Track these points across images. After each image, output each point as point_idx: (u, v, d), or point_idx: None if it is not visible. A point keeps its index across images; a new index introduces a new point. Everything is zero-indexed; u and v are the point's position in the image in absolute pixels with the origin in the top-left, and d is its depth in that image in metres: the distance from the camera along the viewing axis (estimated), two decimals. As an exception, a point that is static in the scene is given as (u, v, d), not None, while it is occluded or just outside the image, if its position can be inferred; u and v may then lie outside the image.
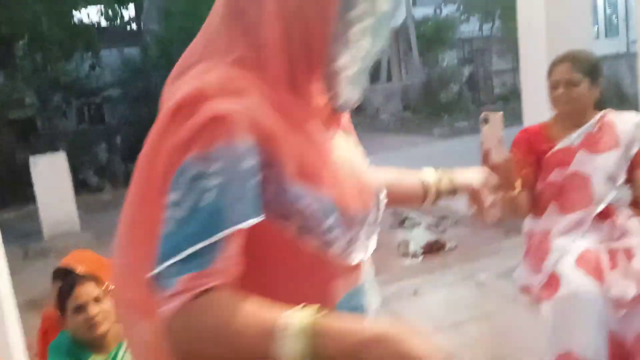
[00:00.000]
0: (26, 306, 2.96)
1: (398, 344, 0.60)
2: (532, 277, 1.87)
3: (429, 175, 1.07)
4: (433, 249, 3.98)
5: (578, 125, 1.91)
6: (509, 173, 1.21)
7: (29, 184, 6.84)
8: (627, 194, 1.91)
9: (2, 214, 7.88)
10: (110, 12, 14.71)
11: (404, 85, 17.11)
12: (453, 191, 1.08)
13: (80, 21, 12.88)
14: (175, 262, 0.62)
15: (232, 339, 0.62)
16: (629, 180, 1.88)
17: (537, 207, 1.95)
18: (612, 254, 1.74)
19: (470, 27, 18.33)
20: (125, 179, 10.88)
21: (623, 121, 1.91)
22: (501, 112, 1.31)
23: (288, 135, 0.70)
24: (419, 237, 4.19)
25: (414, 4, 21.00)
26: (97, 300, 1.65)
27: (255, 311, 0.63)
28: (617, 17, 20.23)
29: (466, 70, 16.97)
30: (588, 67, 1.88)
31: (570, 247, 1.77)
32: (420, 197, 1.07)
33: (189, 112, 0.66)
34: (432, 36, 18.18)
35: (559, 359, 1.63)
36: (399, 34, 21.44)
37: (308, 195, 0.70)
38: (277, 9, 0.71)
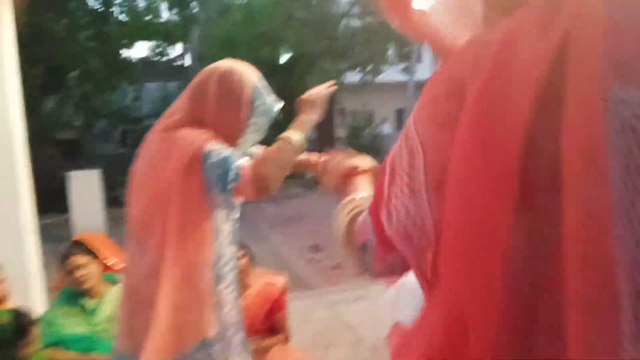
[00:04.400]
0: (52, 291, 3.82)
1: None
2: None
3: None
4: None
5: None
6: None
7: (66, 196, 7.93)
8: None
9: (42, 219, 8.97)
10: (158, 49, 16.28)
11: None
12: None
13: (127, 58, 14.25)
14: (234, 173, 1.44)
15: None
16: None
17: None
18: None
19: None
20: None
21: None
22: None
23: None
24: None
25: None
26: (82, 266, 2.51)
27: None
28: None
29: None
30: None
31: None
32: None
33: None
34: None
35: (394, 326, 2.39)
36: (418, 87, 22.40)
37: None
38: (214, 112, 1.54)
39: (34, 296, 3.24)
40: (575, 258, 0.45)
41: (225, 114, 1.54)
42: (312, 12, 11.37)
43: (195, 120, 1.55)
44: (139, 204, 1.56)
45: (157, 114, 11.33)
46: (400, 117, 22.57)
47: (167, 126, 1.58)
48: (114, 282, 2.66)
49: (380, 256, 0.72)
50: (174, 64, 18.76)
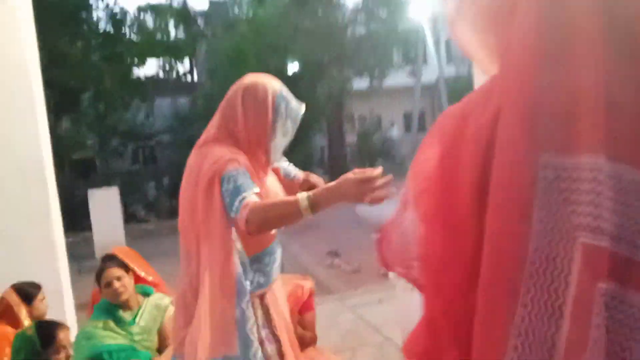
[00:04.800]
0: (78, 308, 3.86)
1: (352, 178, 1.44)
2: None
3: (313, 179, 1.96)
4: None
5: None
6: None
7: (85, 215, 8.08)
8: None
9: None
10: (167, 65, 16.55)
11: (433, 137, 17.97)
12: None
13: (138, 77, 14.50)
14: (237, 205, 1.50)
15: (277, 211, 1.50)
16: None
17: None
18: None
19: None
20: (169, 213, 12.11)
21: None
22: None
23: (252, 174, 1.65)
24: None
25: (449, 61, 22.10)
26: (118, 279, 2.62)
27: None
28: None
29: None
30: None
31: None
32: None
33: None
34: (463, 92, 19.04)
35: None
36: (434, 90, 22.49)
37: None
38: (243, 123, 1.65)
39: (67, 312, 3.35)
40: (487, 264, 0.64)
41: (253, 122, 1.65)
42: (318, 22, 11.51)
43: (227, 133, 1.67)
44: (181, 215, 1.68)
45: (168, 130, 11.52)
46: (407, 121, 22.61)
47: (203, 142, 1.70)
48: (146, 294, 2.76)
49: None
50: (183, 80, 19.02)
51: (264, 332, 1.70)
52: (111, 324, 2.58)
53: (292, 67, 12.67)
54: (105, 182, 11.14)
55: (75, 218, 9.05)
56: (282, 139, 1.72)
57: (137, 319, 2.64)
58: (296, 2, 12.27)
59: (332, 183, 1.47)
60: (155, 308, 2.72)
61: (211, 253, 1.56)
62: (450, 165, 0.70)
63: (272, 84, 1.69)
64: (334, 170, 13.38)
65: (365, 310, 4.19)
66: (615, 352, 0.56)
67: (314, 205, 1.44)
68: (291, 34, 11.46)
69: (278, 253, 1.79)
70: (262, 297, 1.72)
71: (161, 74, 16.75)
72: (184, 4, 16.51)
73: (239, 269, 1.58)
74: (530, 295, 0.60)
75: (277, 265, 1.79)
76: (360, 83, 13.28)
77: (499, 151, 0.63)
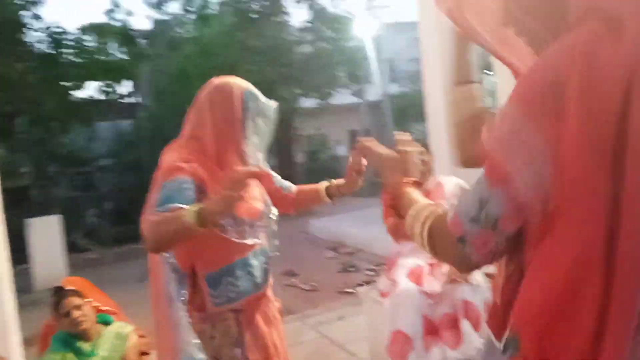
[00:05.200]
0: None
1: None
2: (385, 283, 2.73)
3: (322, 184, 1.89)
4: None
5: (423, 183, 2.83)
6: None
7: (20, 247, 7.57)
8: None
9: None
10: (107, 87, 16.00)
11: (379, 155, 18.30)
12: (338, 188, 1.83)
13: (78, 100, 13.95)
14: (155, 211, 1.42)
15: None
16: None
17: (398, 235, 2.83)
18: (432, 267, 2.61)
19: (440, 102, 19.73)
20: (113, 241, 11.60)
21: (449, 183, 2.84)
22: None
23: (213, 183, 1.57)
24: (357, 278, 5.03)
25: (392, 80, 22.69)
26: (77, 307, 2.48)
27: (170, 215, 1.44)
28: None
29: (433, 142, 18.28)
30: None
31: (407, 263, 2.64)
32: (317, 196, 1.86)
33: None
34: (407, 109, 19.61)
35: (393, 334, 2.46)
36: (378, 108, 22.99)
37: None
38: (211, 127, 1.60)
39: (13, 347, 3.10)
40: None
41: (221, 123, 1.60)
42: (266, 41, 11.54)
43: (193, 137, 1.63)
44: None
45: (111, 154, 11.09)
46: (353, 139, 22.92)
47: (168, 146, 1.65)
48: (106, 323, 2.61)
49: (482, 243, 0.81)
50: (124, 101, 18.44)
51: (237, 351, 1.62)
52: (70, 355, 2.41)
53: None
54: (42, 210, 10.55)
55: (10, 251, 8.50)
56: (255, 139, 1.65)
57: (97, 350, 2.48)
58: (243, 22, 12.28)
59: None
60: (117, 337, 2.57)
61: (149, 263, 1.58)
62: (587, 99, 0.66)
63: (240, 83, 1.66)
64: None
65: (327, 328, 4.15)
66: None
67: (202, 219, 1.34)
68: (238, 54, 11.41)
69: (256, 268, 1.68)
70: (237, 314, 1.64)
71: (102, 96, 16.21)
72: (126, 24, 16.12)
73: (165, 279, 1.53)
74: None
75: (254, 281, 1.68)
76: (307, 102, 13.36)
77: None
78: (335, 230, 8.36)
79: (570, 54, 0.67)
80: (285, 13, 12.80)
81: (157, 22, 16.91)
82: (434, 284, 2.51)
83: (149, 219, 1.42)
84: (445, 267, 2.56)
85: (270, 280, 1.78)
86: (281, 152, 13.67)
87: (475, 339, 2.40)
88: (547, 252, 0.73)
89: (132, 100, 18.50)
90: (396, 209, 1.09)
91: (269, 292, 1.79)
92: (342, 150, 21.14)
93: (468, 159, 1.19)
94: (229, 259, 1.62)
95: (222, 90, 1.63)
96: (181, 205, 1.39)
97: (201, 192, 1.53)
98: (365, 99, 19.65)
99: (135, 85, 17.89)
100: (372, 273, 5.47)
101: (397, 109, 20.18)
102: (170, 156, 1.58)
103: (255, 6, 12.82)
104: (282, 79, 11.68)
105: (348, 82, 15.30)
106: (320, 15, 12.76)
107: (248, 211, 1.62)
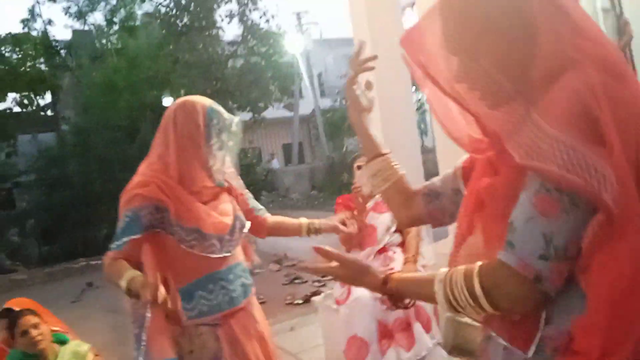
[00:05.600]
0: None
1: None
2: (340, 291, 2.88)
3: (304, 220, 2.02)
4: (311, 297, 4.92)
5: (371, 197, 3.02)
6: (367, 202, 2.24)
7: None
8: (397, 238, 2.99)
9: None
10: (25, 100, 15.13)
11: (312, 167, 18.59)
12: (319, 229, 2.00)
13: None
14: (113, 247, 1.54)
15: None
16: (398, 230, 2.98)
17: (350, 245, 2.99)
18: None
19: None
20: (40, 260, 10.95)
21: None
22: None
23: (174, 201, 1.62)
24: (303, 290, 5.16)
25: (322, 94, 23.15)
26: (35, 326, 2.43)
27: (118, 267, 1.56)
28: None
29: (365, 155, 18.79)
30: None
31: (361, 271, 2.80)
32: (297, 231, 2.00)
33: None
34: (338, 124, 20.06)
35: (350, 339, 2.60)
36: (310, 121, 23.34)
37: (179, 225, 1.63)
38: (174, 146, 1.67)
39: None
40: None
41: (185, 142, 1.67)
42: (198, 55, 11.47)
43: (158, 156, 1.70)
44: None
45: (33, 169, 10.50)
46: (287, 152, 23.11)
47: (138, 169, 1.72)
48: (62, 342, 2.56)
49: (558, 275, 0.83)
50: (45, 114, 17.50)
51: None
52: (26, 377, 2.35)
53: (167, 100, 12.37)
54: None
55: None
56: (219, 154, 1.72)
57: (54, 370, 2.44)
58: (173, 34, 12.13)
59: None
60: (74, 356, 2.53)
61: None
62: (621, 126, 0.79)
63: (203, 101, 1.73)
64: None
65: (279, 339, 4.22)
66: None
67: (129, 290, 1.51)
68: (170, 67, 11.25)
69: (232, 282, 1.73)
70: (214, 328, 1.69)
71: (18, 109, 15.31)
72: (45, 33, 15.37)
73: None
74: None
75: (230, 295, 1.72)
76: (240, 116, 13.37)
77: None
78: (278, 243, 8.41)
79: (592, 93, 0.79)
80: (218, 27, 12.79)
81: (78, 33, 16.27)
82: (386, 290, 2.69)
83: (107, 255, 1.62)
84: (397, 274, 2.76)
85: (251, 295, 1.82)
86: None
87: (426, 339, 2.59)
88: (608, 270, 0.79)
89: (53, 112, 17.63)
90: (395, 300, 1.05)
91: (250, 307, 1.82)
92: (276, 163, 21.24)
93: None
94: (198, 272, 1.68)
95: (184, 109, 1.69)
96: (134, 237, 1.57)
97: (160, 211, 1.62)
98: (297, 113, 19.90)
99: (57, 97, 17.06)
100: (318, 284, 5.61)
101: (330, 123, 20.60)
102: (133, 180, 1.67)
103: (184, 19, 12.73)
104: (215, 93, 11.64)
105: (280, 96, 15.48)
106: (252, 30, 12.86)
107: (215, 226, 1.68)
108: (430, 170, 4.96)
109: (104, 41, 15.56)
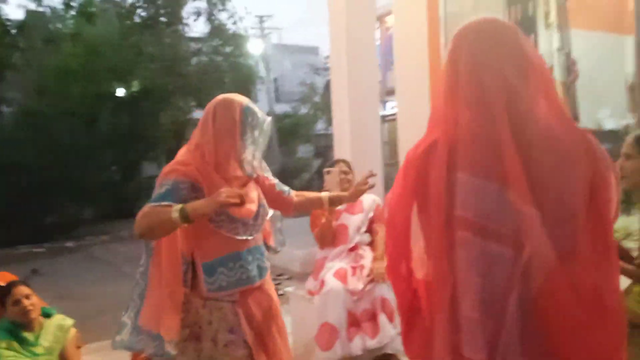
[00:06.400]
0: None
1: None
2: (313, 284, 3.13)
3: (324, 193, 2.22)
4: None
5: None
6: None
7: None
8: (366, 238, 3.28)
9: None
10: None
11: (264, 172, 18.68)
12: (340, 199, 2.21)
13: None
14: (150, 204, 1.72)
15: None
16: (369, 230, 3.28)
17: (324, 244, 3.25)
18: (354, 269, 3.07)
19: (323, 125, 20.68)
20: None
21: (367, 198, 3.34)
22: (337, 169, 2.66)
23: (208, 183, 1.81)
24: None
25: (277, 100, 23.28)
26: (27, 297, 2.54)
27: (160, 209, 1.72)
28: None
29: (316, 163, 19.18)
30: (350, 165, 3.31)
31: (333, 265, 3.07)
32: (320, 204, 2.20)
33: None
34: (291, 130, 20.26)
35: (322, 326, 2.86)
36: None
37: None
38: (212, 136, 1.86)
39: None
40: None
41: (222, 134, 1.85)
42: (162, 49, 11.41)
43: (196, 144, 1.89)
44: None
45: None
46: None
47: (177, 154, 1.92)
48: (48, 315, 2.67)
49: None
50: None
51: (231, 337, 1.85)
52: (15, 344, 2.47)
53: (132, 92, 12.18)
54: None
55: None
56: (252, 149, 1.91)
57: (40, 340, 2.55)
58: (140, 26, 12.01)
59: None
60: (58, 329, 2.65)
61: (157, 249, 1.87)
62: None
63: (241, 99, 1.91)
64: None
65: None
66: None
67: (184, 215, 1.66)
68: (132, 58, 11.14)
69: (250, 263, 1.90)
70: (233, 304, 1.87)
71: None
72: (-4, 12, 14.71)
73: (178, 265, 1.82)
74: None
75: (247, 274, 1.89)
76: (201, 114, 13.32)
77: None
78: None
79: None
80: (185, 24, 12.79)
81: (31, 13, 15.67)
82: (356, 283, 2.97)
83: (143, 209, 1.72)
84: (366, 270, 3.05)
85: (267, 276, 2.02)
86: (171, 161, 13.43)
87: (389, 329, 2.89)
88: None
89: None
90: None
91: (266, 286, 2.01)
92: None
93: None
94: (222, 251, 1.86)
95: (224, 105, 1.89)
96: (171, 203, 1.70)
97: (195, 191, 1.81)
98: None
99: (2, 77, 16.31)
100: (275, 282, 5.83)
101: (283, 129, 20.78)
102: (173, 160, 1.86)
103: (150, 12, 12.62)
104: (178, 88, 11.61)
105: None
106: (218, 30, 12.93)
107: (242, 211, 1.88)
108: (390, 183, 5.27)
109: (59, 25, 15.09)
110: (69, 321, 2.71)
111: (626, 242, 1.84)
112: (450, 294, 1.13)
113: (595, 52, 3.55)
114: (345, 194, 2.21)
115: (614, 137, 2.89)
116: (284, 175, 17.38)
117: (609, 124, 3.17)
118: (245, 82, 14.63)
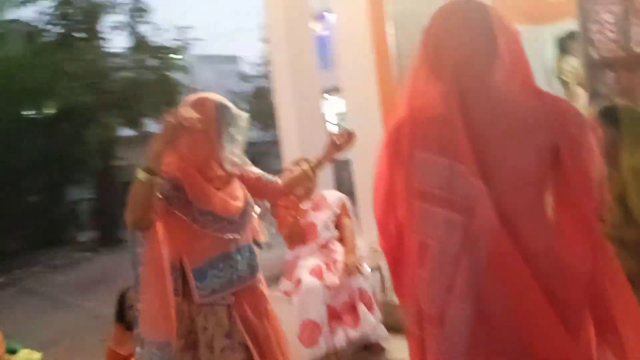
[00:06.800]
0: None
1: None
2: (288, 284, 3.12)
3: (304, 165, 2.18)
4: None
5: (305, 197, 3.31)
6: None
7: None
8: (335, 233, 3.31)
9: None
10: None
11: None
12: (320, 163, 2.14)
13: None
14: None
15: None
16: (337, 226, 3.31)
17: (293, 244, 3.25)
18: (328, 265, 3.10)
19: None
20: None
21: (331, 195, 3.37)
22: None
23: (190, 183, 1.78)
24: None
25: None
26: None
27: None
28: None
29: (253, 170, 18.99)
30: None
31: (307, 263, 3.08)
32: (307, 177, 2.13)
33: None
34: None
35: (304, 324, 2.86)
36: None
37: (195, 205, 1.79)
38: (188, 142, 1.79)
39: None
40: None
41: (198, 134, 1.77)
42: (84, 67, 10.88)
43: (174, 149, 1.80)
44: None
45: None
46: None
47: None
48: (13, 352, 2.50)
49: None
50: None
51: (227, 342, 1.82)
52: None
53: (52, 112, 11.49)
54: None
55: None
56: (229, 146, 1.86)
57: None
58: (54, 44, 11.39)
59: None
60: (27, 364, 2.48)
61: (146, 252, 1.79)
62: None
63: (213, 97, 1.87)
64: (105, 227, 12.29)
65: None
66: None
67: (146, 168, 1.60)
68: (51, 77, 10.52)
69: (240, 262, 1.88)
70: (228, 308, 1.84)
71: None
72: None
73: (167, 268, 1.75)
74: None
75: (238, 274, 1.86)
76: (127, 131, 12.84)
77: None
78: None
79: None
80: (102, 38, 12.26)
81: None
82: (333, 278, 3.00)
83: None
84: (340, 264, 3.08)
85: (259, 275, 1.98)
86: (100, 181, 12.83)
87: (369, 318, 2.94)
88: None
89: None
90: None
91: (259, 287, 1.98)
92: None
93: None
94: (211, 253, 1.83)
95: (197, 106, 1.81)
96: None
97: (177, 190, 1.78)
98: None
99: None
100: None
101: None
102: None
103: (62, 29, 12.00)
104: (102, 105, 11.12)
105: (167, 111, 15.00)
106: (141, 43, 12.52)
107: (228, 209, 1.86)
108: (345, 179, 5.38)
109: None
110: (36, 355, 2.55)
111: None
112: (415, 257, 1.30)
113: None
114: (321, 154, 2.16)
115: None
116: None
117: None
118: (171, 94, 14.23)
